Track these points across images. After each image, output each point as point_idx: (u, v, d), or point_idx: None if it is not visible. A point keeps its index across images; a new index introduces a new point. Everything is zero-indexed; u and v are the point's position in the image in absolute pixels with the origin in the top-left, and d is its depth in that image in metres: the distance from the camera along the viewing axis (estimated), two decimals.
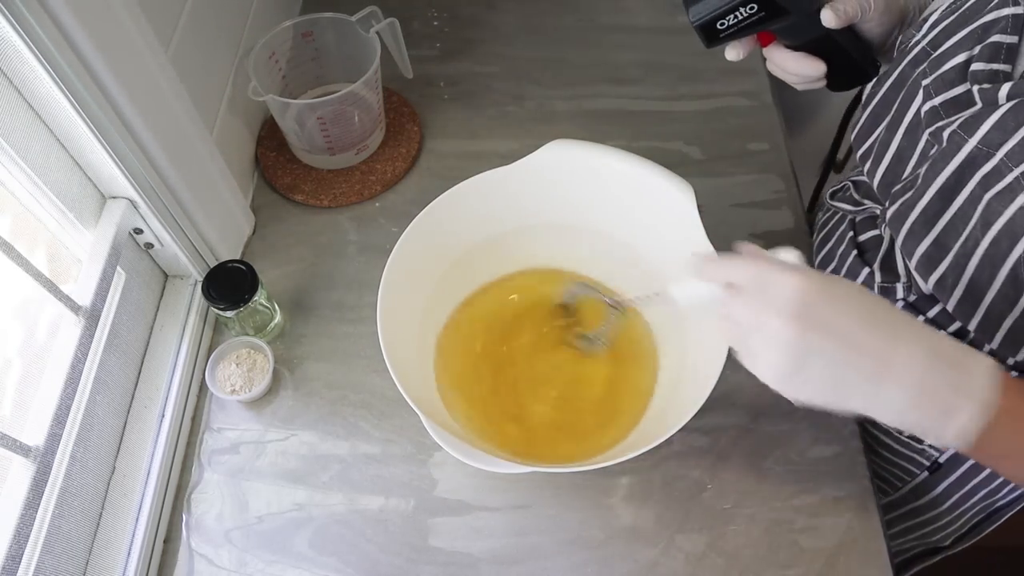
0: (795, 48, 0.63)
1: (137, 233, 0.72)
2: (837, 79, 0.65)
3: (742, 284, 0.47)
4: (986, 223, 0.52)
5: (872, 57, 0.66)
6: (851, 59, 0.64)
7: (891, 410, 0.45)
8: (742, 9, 0.60)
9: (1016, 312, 0.53)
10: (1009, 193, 0.50)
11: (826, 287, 0.45)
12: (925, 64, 0.58)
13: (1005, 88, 0.50)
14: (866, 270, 0.69)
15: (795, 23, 0.61)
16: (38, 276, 0.57)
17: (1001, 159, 0.50)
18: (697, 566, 0.66)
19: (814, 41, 0.62)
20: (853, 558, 0.66)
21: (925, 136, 0.57)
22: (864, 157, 0.65)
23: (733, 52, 0.65)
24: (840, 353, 0.44)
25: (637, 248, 0.73)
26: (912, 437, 0.70)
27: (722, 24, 0.61)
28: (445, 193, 0.69)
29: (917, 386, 0.43)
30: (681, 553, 0.66)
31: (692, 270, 0.51)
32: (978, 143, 0.51)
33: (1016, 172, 0.49)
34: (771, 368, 0.46)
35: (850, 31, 0.63)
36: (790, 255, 0.49)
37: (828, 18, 0.59)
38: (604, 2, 1.07)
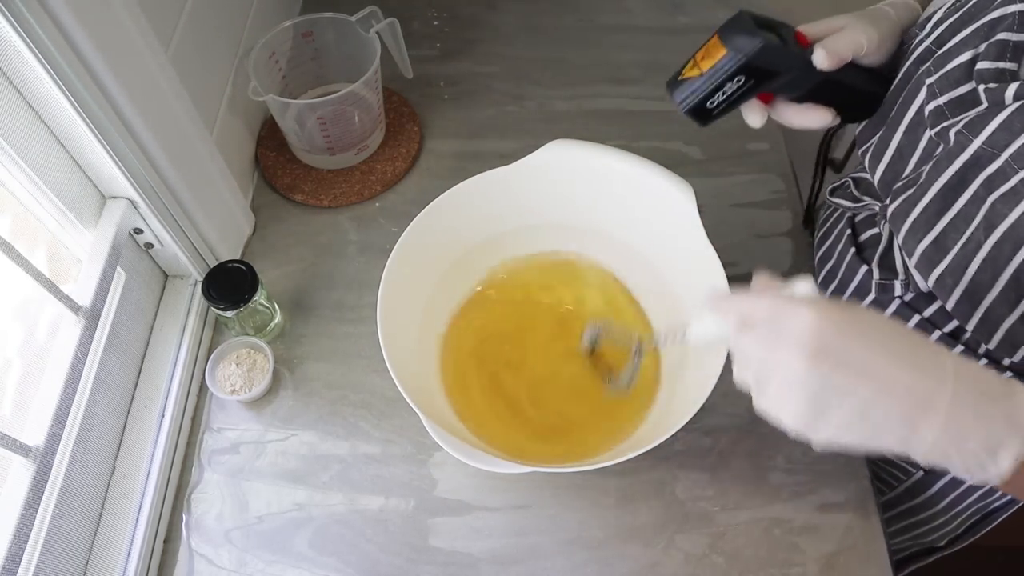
0: (799, 99, 0.60)
1: (137, 233, 0.72)
2: (851, 113, 0.62)
3: (755, 320, 0.44)
4: (990, 226, 0.51)
5: (884, 78, 0.62)
6: (860, 92, 0.61)
7: (932, 451, 0.41)
8: (729, 84, 0.56)
9: (1015, 315, 0.53)
10: (1014, 196, 0.49)
11: (848, 319, 0.41)
12: (929, 62, 0.57)
13: (1012, 88, 0.50)
14: (864, 268, 0.68)
15: (789, 79, 0.57)
16: (38, 276, 0.57)
17: (1006, 160, 0.50)
18: (697, 566, 0.66)
19: (817, 87, 0.58)
20: (853, 558, 0.66)
21: (927, 134, 0.57)
22: (865, 152, 0.65)
23: (755, 118, 0.61)
24: (870, 392, 0.40)
25: (637, 248, 0.73)
26: None
27: (712, 103, 0.58)
28: (445, 193, 0.69)
29: (960, 424, 0.40)
30: (681, 553, 0.66)
31: (707, 306, 0.49)
32: (983, 143, 0.51)
33: (1022, 175, 0.49)
34: (792, 412, 0.42)
35: (851, 66, 0.59)
36: (805, 286, 0.45)
37: (820, 59, 0.57)
38: (604, 2, 1.07)
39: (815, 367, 0.41)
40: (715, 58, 0.55)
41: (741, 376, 0.46)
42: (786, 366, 0.42)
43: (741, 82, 0.56)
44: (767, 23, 0.57)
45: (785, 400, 0.42)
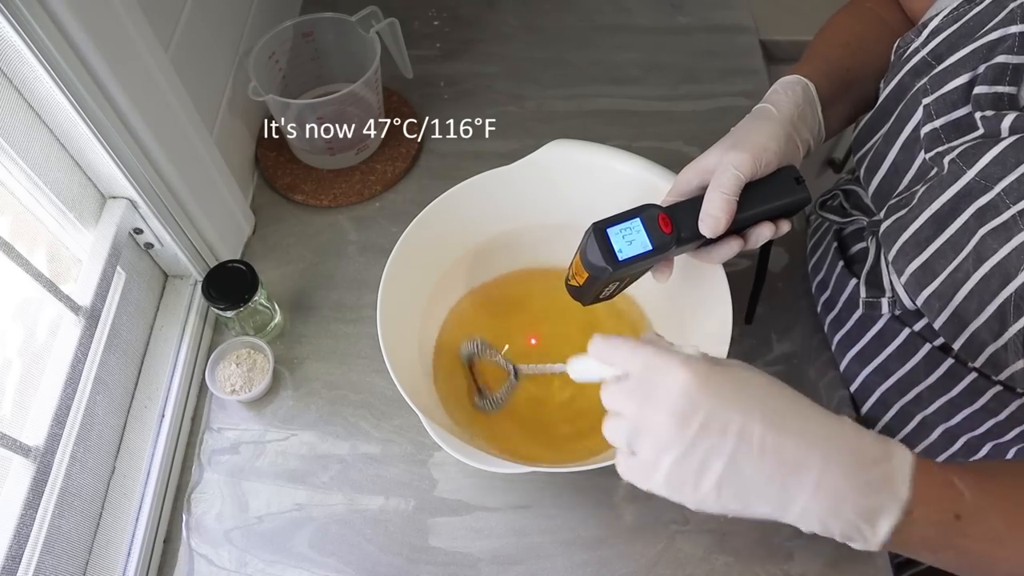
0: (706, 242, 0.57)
1: (137, 233, 0.72)
2: (781, 216, 0.58)
3: (629, 373, 0.42)
4: (979, 258, 0.51)
5: (796, 179, 0.56)
6: (770, 208, 0.56)
7: (809, 517, 0.40)
8: (609, 286, 0.57)
9: (998, 343, 0.53)
10: (1005, 231, 0.49)
11: (720, 380, 0.40)
12: (926, 79, 0.56)
13: (1008, 119, 0.49)
14: (853, 281, 0.69)
15: (671, 251, 0.55)
16: (38, 276, 0.57)
17: (998, 194, 0.50)
18: (697, 566, 0.66)
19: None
20: (853, 558, 0.66)
21: (922, 154, 0.57)
22: (860, 162, 0.65)
23: (663, 278, 0.60)
24: (741, 455, 0.39)
25: None
26: None
27: (605, 295, 0.59)
28: (445, 193, 0.69)
29: (834, 488, 0.39)
30: (681, 553, 0.66)
31: (589, 348, 0.47)
32: (976, 175, 0.51)
33: (1014, 210, 0.49)
34: (663, 476, 0.41)
35: (743, 198, 0.55)
36: (690, 349, 0.43)
37: (707, 231, 0.54)
38: (604, 2, 1.07)
39: (683, 428, 0.39)
40: (584, 276, 0.56)
41: (611, 433, 0.43)
42: (655, 427, 0.40)
43: (619, 282, 0.57)
44: (629, 214, 0.55)
45: (656, 463, 0.41)
